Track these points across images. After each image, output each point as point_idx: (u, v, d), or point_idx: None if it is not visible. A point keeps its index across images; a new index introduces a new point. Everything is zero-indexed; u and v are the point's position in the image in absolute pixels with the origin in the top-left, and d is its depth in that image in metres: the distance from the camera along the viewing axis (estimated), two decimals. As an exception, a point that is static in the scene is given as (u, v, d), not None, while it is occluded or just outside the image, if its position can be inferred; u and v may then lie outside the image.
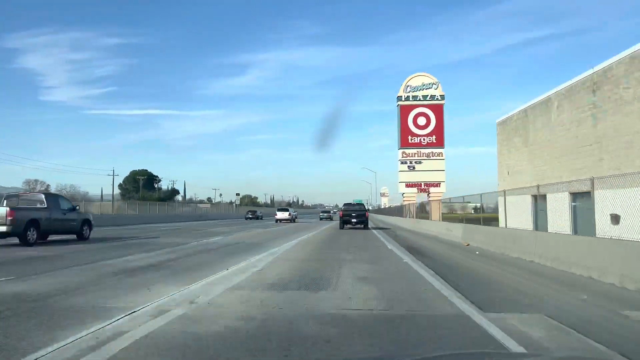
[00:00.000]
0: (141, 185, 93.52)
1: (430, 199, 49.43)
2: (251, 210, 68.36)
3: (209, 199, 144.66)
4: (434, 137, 50.57)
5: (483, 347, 4.38)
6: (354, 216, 28.82)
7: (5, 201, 16.24)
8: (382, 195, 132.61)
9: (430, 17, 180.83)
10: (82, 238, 18.17)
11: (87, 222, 18.73)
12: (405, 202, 48.02)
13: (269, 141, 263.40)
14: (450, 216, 32.94)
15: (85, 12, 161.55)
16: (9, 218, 14.55)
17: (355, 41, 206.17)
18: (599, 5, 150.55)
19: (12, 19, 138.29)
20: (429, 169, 50.27)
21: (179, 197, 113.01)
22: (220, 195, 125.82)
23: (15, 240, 15.39)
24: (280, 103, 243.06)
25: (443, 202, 35.65)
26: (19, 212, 15.13)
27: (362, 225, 29.01)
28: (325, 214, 63.44)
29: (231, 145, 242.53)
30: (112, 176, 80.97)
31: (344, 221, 29.03)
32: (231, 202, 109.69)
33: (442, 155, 50.58)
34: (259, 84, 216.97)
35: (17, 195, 18.37)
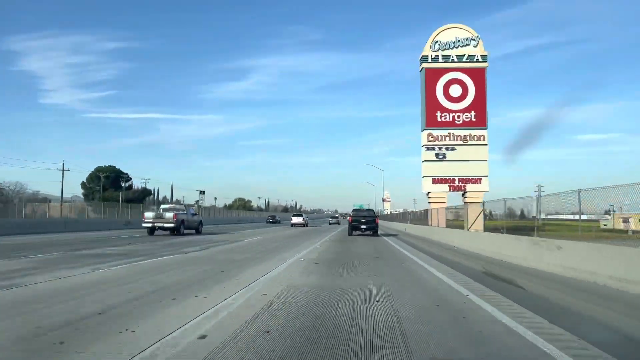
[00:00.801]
0: (103, 183, 78.74)
1: (466, 200, 34.90)
2: (271, 215, 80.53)
3: (197, 202, 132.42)
4: (472, 113, 35.94)
5: None
6: (364, 222, 27.59)
7: (161, 209, 25.98)
8: (384, 200, 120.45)
9: (430, 24, 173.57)
10: (198, 232, 27.58)
11: (200, 222, 28.83)
12: (434, 206, 33.42)
13: (268, 146, 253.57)
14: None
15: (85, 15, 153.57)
16: (174, 219, 24.17)
17: (356, 47, 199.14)
18: (600, 14, 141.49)
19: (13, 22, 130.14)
20: (465, 159, 35.60)
21: (167, 199, 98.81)
22: (215, 198, 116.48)
23: (164, 232, 24.72)
24: (280, 108, 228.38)
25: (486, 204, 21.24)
26: (178, 215, 24.67)
27: (371, 232, 27.75)
28: (334, 219, 71.61)
29: (230, 149, 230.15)
30: (62, 171, 66.11)
31: (353, 227, 27.75)
32: (175, 201, 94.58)
33: (484, 140, 35.92)
34: (259, 89, 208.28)
35: (167, 205, 29.56)
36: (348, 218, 30.00)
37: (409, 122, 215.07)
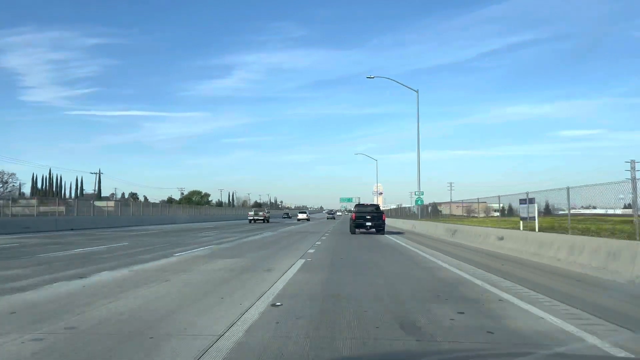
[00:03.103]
0: None
1: None
2: (285, 212, 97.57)
3: (134, 195, 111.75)
4: None
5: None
6: (369, 219, 25.66)
7: (254, 210, 56.48)
8: (376, 193, 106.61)
9: (415, 21, 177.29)
10: (268, 222, 51.33)
11: (270, 216, 59.13)
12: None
13: (252, 143, 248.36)
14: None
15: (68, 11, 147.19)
16: (265, 215, 53.80)
17: (340, 44, 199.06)
18: (580, 11, 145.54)
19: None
20: None
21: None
22: (182, 193, 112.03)
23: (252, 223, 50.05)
24: (265, 105, 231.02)
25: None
26: (268, 214, 56.82)
27: (375, 230, 25.78)
28: (330, 215, 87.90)
29: (214, 147, 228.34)
30: None
31: (357, 224, 25.78)
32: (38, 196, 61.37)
33: None
34: (244, 86, 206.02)
35: (259, 208, 65.76)
36: (351, 215, 28.32)
37: (396, 118, 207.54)
